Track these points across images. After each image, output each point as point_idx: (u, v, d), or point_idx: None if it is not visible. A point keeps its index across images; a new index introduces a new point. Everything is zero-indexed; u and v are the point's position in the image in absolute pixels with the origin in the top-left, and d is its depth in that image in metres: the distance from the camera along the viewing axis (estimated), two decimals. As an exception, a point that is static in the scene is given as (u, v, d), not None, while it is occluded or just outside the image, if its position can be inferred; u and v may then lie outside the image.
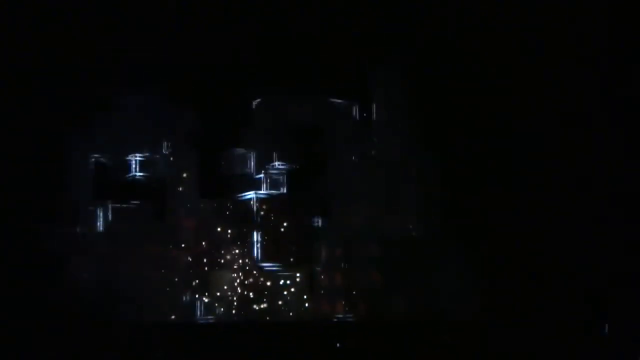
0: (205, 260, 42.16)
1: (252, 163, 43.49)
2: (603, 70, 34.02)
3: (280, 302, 41.39)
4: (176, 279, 41.72)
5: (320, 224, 42.72)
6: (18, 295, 37.14)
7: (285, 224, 42.79)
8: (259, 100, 42.56)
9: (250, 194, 42.60)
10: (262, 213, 42.34)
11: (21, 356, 35.21)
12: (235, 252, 42.47)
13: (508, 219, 35.35)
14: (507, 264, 35.32)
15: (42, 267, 38.75)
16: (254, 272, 41.93)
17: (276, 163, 42.87)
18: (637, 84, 33.95)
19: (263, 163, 43.47)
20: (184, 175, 42.11)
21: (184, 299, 40.75)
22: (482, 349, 34.79)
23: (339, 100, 42.33)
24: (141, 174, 42.56)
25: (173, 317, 40.92)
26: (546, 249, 33.92)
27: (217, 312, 41.37)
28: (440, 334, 36.66)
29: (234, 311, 41.47)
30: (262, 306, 41.24)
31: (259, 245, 42.25)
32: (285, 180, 43.31)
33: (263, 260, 42.27)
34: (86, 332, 37.21)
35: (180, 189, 42.04)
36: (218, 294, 42.05)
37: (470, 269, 37.87)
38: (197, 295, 41.76)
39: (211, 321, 41.04)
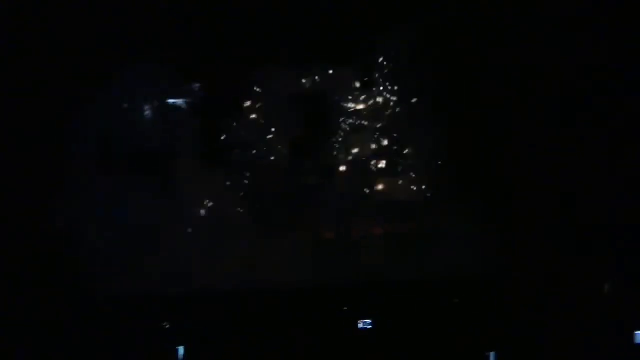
0: (208, 227, 42.29)
1: (254, 131, 43.56)
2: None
3: (282, 267, 41.57)
4: (179, 250, 41.86)
5: (323, 189, 43.03)
6: (23, 273, 36.92)
7: (287, 190, 42.94)
8: (259, 68, 42.55)
9: (253, 161, 42.74)
10: (264, 179, 42.50)
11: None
12: (237, 219, 42.60)
13: (513, 180, 35.64)
14: (514, 223, 35.63)
15: (45, 242, 38.56)
16: (257, 237, 42.08)
17: (277, 129, 42.99)
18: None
19: (264, 130, 43.55)
20: (186, 144, 42.08)
21: (189, 268, 40.89)
22: (489, 308, 35.23)
23: (340, 67, 42.39)
24: (143, 144, 42.43)
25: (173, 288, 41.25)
26: (554, 206, 34.24)
27: (219, 280, 41.53)
28: (446, 294, 37.07)
29: (235, 278, 41.62)
30: (264, 271, 41.39)
31: (261, 210, 42.38)
32: (287, 147, 43.50)
33: (265, 225, 42.43)
34: (91, 304, 37.19)
35: (183, 158, 42.01)
36: (221, 262, 42.18)
37: (476, 230, 38.20)
38: (201, 265, 41.89)
39: (212, 290, 41.17)
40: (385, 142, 40.67)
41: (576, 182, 33.65)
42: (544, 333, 32.11)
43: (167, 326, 36.61)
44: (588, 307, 32.19)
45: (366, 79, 40.47)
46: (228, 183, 41.38)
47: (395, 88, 40.14)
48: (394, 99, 40.18)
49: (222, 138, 41.28)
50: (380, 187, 40.63)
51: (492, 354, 27.00)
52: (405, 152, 40.16)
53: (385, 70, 40.64)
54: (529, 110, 35.62)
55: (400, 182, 40.51)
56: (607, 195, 32.88)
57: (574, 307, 32.48)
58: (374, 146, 40.78)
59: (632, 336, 30.81)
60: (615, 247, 32.96)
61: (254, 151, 41.66)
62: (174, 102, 40.51)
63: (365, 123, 41.10)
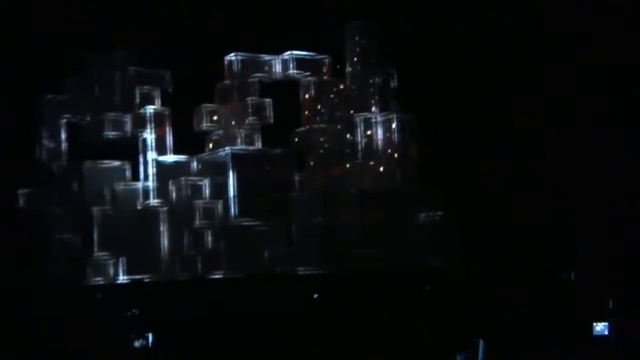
0: (182, 217, 42.30)
1: (225, 119, 43.49)
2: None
3: (257, 257, 41.57)
4: (154, 238, 41.90)
5: (296, 178, 43.06)
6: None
7: (260, 179, 42.84)
8: (231, 56, 42.49)
9: (226, 150, 42.62)
10: (237, 168, 42.41)
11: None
12: (211, 208, 42.48)
13: (488, 171, 35.69)
14: (487, 214, 35.67)
15: (18, 227, 38.60)
16: (231, 227, 42.01)
17: (250, 118, 42.94)
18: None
19: (237, 118, 43.51)
20: (157, 132, 42.03)
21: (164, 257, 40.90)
22: (462, 299, 35.24)
23: (312, 54, 42.32)
24: (114, 133, 42.41)
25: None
26: (526, 200, 34.25)
27: (193, 268, 41.54)
28: (420, 284, 37.07)
29: (207, 266, 41.54)
30: (238, 260, 41.36)
31: (235, 200, 42.32)
32: (259, 135, 43.45)
33: (239, 215, 42.34)
34: (66, 293, 37.30)
35: (155, 146, 41.97)
36: (194, 251, 42.16)
37: (449, 220, 38.22)
38: (174, 254, 41.90)
39: (185, 278, 41.18)
40: (357, 134, 40.93)
41: (537, 179, 33.79)
42: (509, 324, 32.17)
43: (137, 313, 36.66)
44: (549, 300, 32.27)
45: (338, 66, 40.54)
46: (198, 172, 41.54)
47: (369, 79, 40.22)
48: (367, 89, 40.25)
49: (194, 127, 41.58)
50: (351, 178, 40.82)
51: (480, 342, 27.02)
52: (375, 144, 40.31)
53: (358, 61, 40.70)
54: (491, 110, 35.73)
55: (373, 173, 40.69)
56: (565, 191, 33.02)
57: (534, 299, 32.53)
58: (345, 135, 41.03)
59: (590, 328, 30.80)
60: (575, 242, 33.10)
61: (226, 140, 41.81)
62: (142, 91, 40.62)
63: (338, 113, 41.23)
